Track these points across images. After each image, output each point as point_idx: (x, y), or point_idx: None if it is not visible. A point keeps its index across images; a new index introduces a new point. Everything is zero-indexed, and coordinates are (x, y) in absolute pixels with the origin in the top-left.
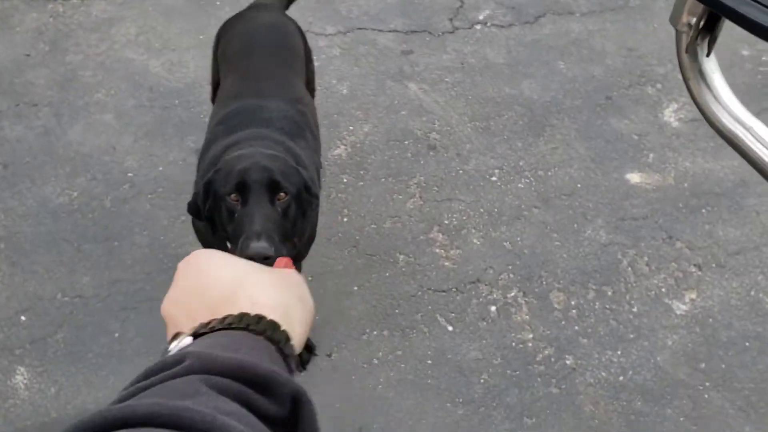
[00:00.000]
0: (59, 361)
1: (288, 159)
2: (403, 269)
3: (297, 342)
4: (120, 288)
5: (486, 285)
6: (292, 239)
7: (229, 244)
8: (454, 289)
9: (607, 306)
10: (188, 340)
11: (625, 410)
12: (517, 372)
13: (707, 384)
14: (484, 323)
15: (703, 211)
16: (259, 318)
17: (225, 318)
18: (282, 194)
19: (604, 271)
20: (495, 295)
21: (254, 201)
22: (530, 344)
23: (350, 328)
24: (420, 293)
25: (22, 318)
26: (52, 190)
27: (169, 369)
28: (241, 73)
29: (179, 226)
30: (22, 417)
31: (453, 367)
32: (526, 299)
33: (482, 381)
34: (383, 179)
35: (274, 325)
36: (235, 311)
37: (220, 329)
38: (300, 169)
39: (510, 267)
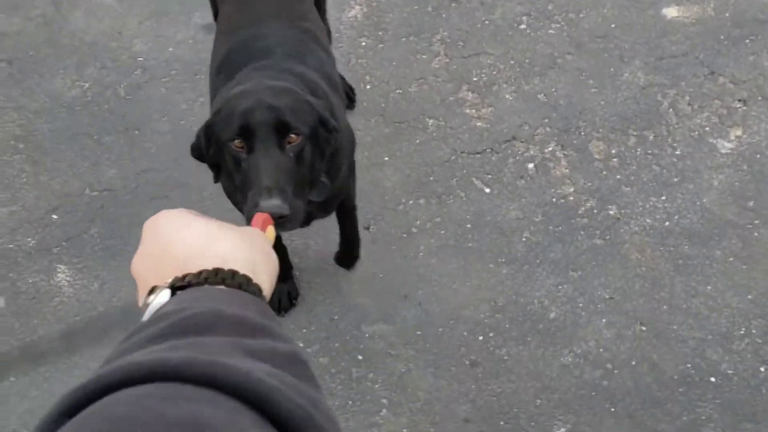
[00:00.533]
0: (98, 256)
1: (297, 91)
2: (434, 134)
3: (266, 294)
4: (148, 177)
5: (522, 142)
6: (311, 186)
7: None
8: (488, 150)
9: (649, 151)
10: (166, 293)
11: (672, 255)
12: (560, 227)
13: (756, 222)
14: (523, 181)
15: (747, 41)
16: (233, 273)
17: (200, 273)
18: (293, 136)
19: (644, 114)
20: (532, 152)
21: (261, 148)
22: (571, 198)
23: (385, 199)
24: (453, 157)
25: (54, 217)
26: (63, 83)
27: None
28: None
29: (198, 108)
30: (71, 313)
31: (493, 229)
32: (565, 152)
33: (524, 239)
34: (404, 39)
35: (247, 279)
36: (207, 267)
37: (195, 284)
38: (313, 102)
39: (546, 120)
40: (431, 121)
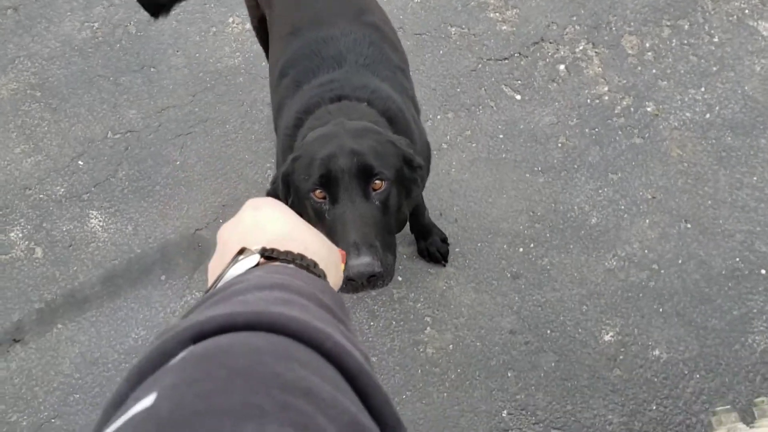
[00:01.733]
0: (128, 199)
1: (379, 130)
2: (458, 43)
3: None
4: (169, 115)
5: (551, 43)
6: (397, 232)
7: None
8: (516, 55)
9: (685, 41)
10: (255, 256)
11: (715, 148)
12: (596, 129)
13: None
14: (554, 84)
15: None
16: (315, 263)
17: (288, 252)
18: (377, 182)
19: (677, 3)
20: (562, 53)
21: (345, 198)
22: (606, 97)
23: None
24: (480, 66)
25: (80, 163)
26: (72, 25)
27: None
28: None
29: (212, 38)
30: (108, 258)
31: (527, 137)
32: (597, 50)
33: (560, 145)
34: None
35: (324, 274)
36: (293, 249)
37: (282, 259)
38: (395, 140)
39: (574, 18)
40: (453, 29)
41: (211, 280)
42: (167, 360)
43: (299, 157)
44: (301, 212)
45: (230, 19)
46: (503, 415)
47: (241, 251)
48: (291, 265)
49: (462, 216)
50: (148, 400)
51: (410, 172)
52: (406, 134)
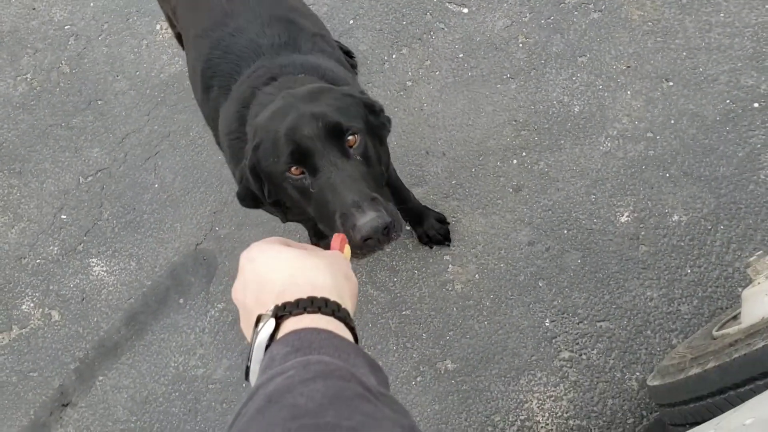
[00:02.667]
0: (121, 236)
1: (329, 87)
2: None
3: (351, 314)
4: (132, 142)
5: None
6: (384, 179)
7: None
8: None
9: None
10: (271, 322)
11: (676, 1)
12: (552, 17)
13: None
14: None
15: None
16: (326, 300)
17: (297, 302)
18: (350, 138)
19: None
20: None
21: (325, 165)
22: None
23: (368, 64)
24: None
25: (63, 217)
26: (5, 84)
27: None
28: (190, 3)
29: (146, 52)
30: (123, 299)
31: (487, 48)
32: None
33: (521, 45)
34: None
35: (337, 305)
36: (302, 295)
37: (295, 312)
38: (347, 91)
39: None
40: None
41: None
42: None
43: (260, 143)
44: (282, 196)
45: (158, 27)
46: (546, 324)
47: (258, 318)
48: (305, 315)
49: (448, 147)
50: None
51: (376, 118)
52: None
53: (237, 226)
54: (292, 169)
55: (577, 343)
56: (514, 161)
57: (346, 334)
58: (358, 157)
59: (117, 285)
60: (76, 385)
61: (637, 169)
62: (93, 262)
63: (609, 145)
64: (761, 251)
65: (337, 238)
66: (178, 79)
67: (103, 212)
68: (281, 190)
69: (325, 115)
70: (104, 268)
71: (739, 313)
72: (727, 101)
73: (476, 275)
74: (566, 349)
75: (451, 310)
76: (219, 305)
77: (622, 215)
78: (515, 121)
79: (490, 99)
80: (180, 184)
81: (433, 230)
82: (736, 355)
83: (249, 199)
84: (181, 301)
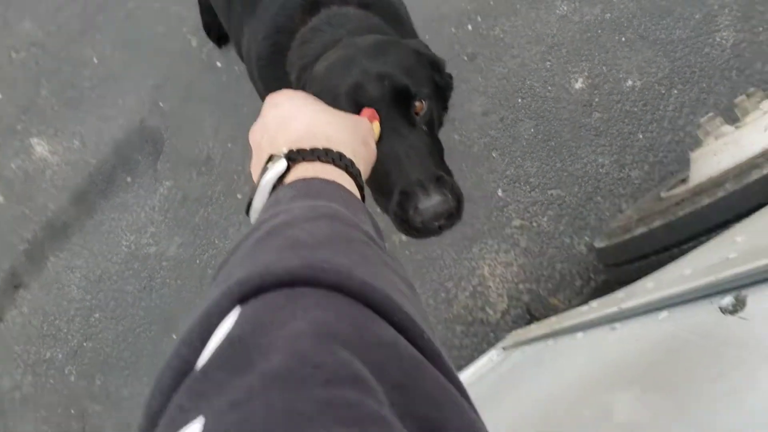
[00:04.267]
0: (62, 114)
1: (396, 40)
2: None
3: (364, 177)
4: (66, 15)
5: None
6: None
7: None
8: None
9: None
10: (283, 162)
11: None
12: None
13: None
14: None
15: None
16: (341, 155)
17: (313, 150)
18: (418, 104)
19: None
20: None
21: (388, 132)
22: None
23: None
24: None
25: (0, 96)
26: None
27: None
28: None
29: None
30: (69, 178)
31: None
32: None
33: None
34: None
35: (351, 162)
36: (317, 145)
37: (308, 159)
38: (414, 45)
39: None
40: None
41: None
42: (215, 325)
43: (317, 95)
44: None
45: None
46: (499, 194)
47: (270, 158)
48: (317, 163)
49: None
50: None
51: (441, 78)
52: (414, 35)
53: (181, 100)
54: None
55: (528, 211)
56: (469, 27)
57: (356, 192)
58: (424, 126)
59: (61, 165)
60: (27, 266)
61: (593, 34)
62: (34, 142)
63: (565, 8)
64: (712, 113)
65: (367, 111)
66: None
67: (40, 89)
68: None
69: (393, 76)
70: (47, 148)
71: (688, 176)
72: None
73: None
74: (517, 217)
75: None
76: (167, 183)
77: (577, 81)
78: None
79: None
80: (120, 58)
81: None
82: (681, 213)
83: None
84: (129, 179)
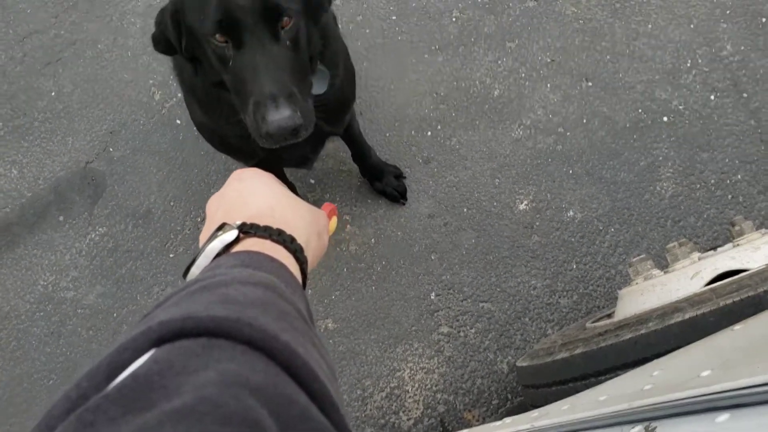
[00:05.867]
0: (6, 141)
1: None
2: None
3: (309, 268)
4: (33, 43)
5: None
6: (311, 69)
7: (234, 100)
8: None
9: None
10: (234, 232)
11: (608, 0)
12: None
13: None
14: None
15: None
16: (292, 239)
17: (266, 227)
18: (285, 19)
19: None
20: None
21: (252, 42)
22: None
23: None
24: None
25: None
26: None
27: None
28: None
29: None
30: None
31: (420, 15)
32: None
33: (454, 19)
34: None
35: (301, 248)
36: (273, 225)
37: (259, 235)
38: None
39: None
40: None
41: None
42: (128, 361)
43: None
44: (198, 54)
45: None
46: (432, 297)
47: (221, 226)
48: (267, 241)
49: (366, 108)
50: None
51: None
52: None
53: (132, 150)
54: (217, 35)
55: (458, 320)
56: (429, 133)
57: (298, 277)
58: (288, 42)
59: None
60: None
61: (543, 161)
62: None
63: (521, 133)
64: (644, 255)
65: (327, 207)
66: None
67: None
68: (199, 48)
69: None
70: None
71: (614, 311)
72: (639, 110)
73: (372, 239)
74: (446, 324)
75: (341, 270)
76: (101, 229)
77: (522, 203)
78: (436, 93)
79: (415, 67)
80: (79, 97)
81: (390, 187)
82: (603, 344)
83: (163, 44)
84: (61, 218)
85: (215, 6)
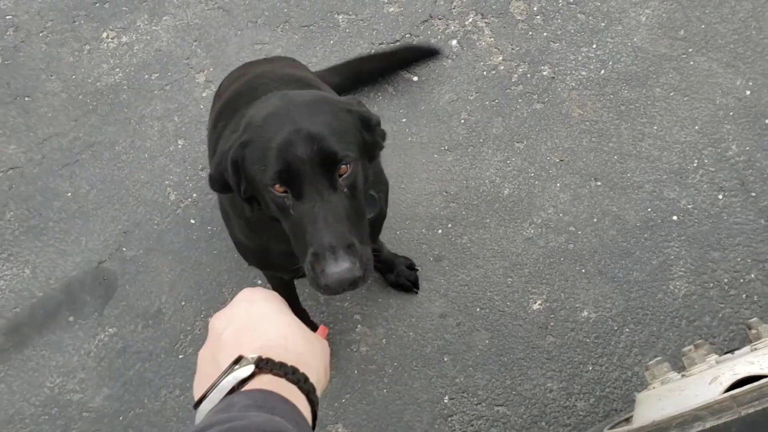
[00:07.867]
0: (20, 241)
1: (329, 97)
2: (347, 30)
3: (318, 400)
4: (52, 145)
5: (440, 19)
6: (367, 213)
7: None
8: (407, 35)
9: (571, 0)
10: (250, 367)
11: (613, 103)
12: (496, 100)
13: (690, 50)
14: (449, 61)
15: None
16: (306, 378)
17: (281, 364)
18: (343, 167)
19: None
20: (452, 28)
21: (310, 193)
22: (502, 67)
23: None
24: (372, 51)
25: None
26: None
27: None
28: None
29: (87, 57)
30: (8, 307)
31: (430, 117)
32: (486, 20)
33: (462, 121)
34: None
35: (313, 388)
36: (287, 361)
37: (275, 372)
38: (345, 102)
39: None
40: (341, 16)
41: (201, 379)
42: None
43: (249, 142)
44: (258, 197)
45: (104, 35)
46: (445, 401)
47: (238, 359)
48: (282, 380)
49: None
50: None
51: (371, 136)
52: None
53: (146, 250)
54: (276, 186)
55: (473, 425)
56: (439, 231)
57: (308, 419)
58: (345, 189)
59: (5, 291)
60: None
61: (555, 260)
62: None
63: (532, 232)
64: (660, 357)
65: (324, 331)
66: (114, 90)
67: (6, 212)
68: (259, 194)
69: (323, 139)
70: None
71: (632, 416)
72: (649, 209)
73: (383, 340)
74: (461, 430)
75: (352, 372)
76: (110, 329)
77: (535, 302)
78: (446, 192)
79: (425, 167)
80: (94, 197)
81: (402, 277)
82: None
83: (220, 185)
84: (71, 319)
85: (275, 157)
